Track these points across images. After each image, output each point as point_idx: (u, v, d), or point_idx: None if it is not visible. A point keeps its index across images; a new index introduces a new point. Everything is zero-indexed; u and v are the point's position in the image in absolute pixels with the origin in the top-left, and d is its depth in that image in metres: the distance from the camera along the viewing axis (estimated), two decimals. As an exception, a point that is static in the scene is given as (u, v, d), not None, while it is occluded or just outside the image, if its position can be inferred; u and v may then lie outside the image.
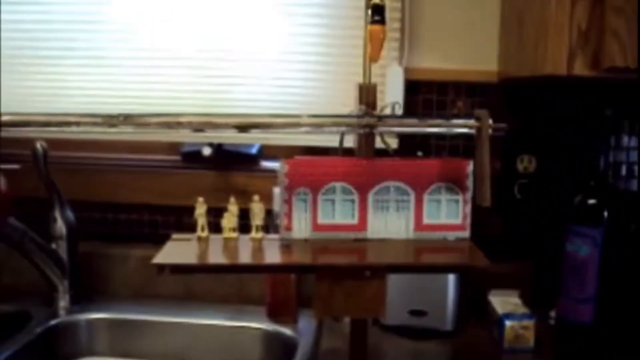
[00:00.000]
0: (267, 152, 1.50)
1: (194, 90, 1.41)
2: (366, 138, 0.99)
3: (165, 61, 1.42)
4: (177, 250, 0.97)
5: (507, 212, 1.43)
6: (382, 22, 0.93)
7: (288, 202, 1.00)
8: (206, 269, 0.95)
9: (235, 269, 0.96)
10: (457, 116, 1.34)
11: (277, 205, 1.33)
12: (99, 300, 1.44)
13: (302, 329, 1.31)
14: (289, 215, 1.00)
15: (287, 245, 1.00)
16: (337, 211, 1.01)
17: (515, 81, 1.31)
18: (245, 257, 0.97)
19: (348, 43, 1.37)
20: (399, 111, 0.98)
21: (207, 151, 1.41)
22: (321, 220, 1.01)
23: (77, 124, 0.91)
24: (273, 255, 0.98)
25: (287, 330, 1.30)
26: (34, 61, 1.46)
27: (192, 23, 1.41)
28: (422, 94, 1.40)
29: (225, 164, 1.45)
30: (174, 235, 1.02)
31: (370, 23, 0.94)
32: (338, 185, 1.00)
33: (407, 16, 1.37)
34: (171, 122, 0.92)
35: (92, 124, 0.91)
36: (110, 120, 0.90)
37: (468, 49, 1.41)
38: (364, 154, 1.01)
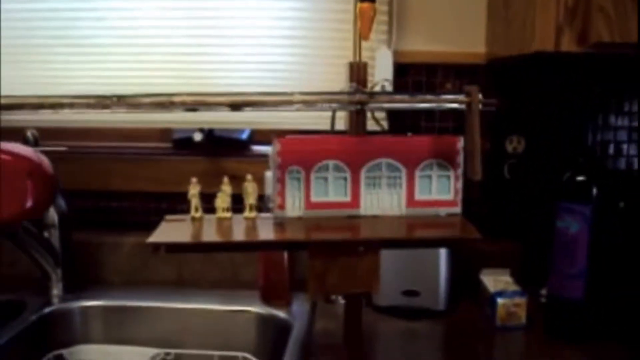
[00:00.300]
0: (258, 137, 1.51)
1: (185, 76, 1.42)
2: (357, 115, 1.00)
3: (155, 48, 1.42)
4: (171, 230, 0.97)
5: (497, 192, 1.45)
6: (372, 0, 0.94)
7: (281, 180, 1.00)
8: (201, 248, 0.95)
9: (229, 246, 0.97)
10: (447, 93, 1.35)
11: (269, 189, 1.33)
12: (92, 288, 1.44)
13: (296, 312, 1.32)
14: (282, 193, 1.01)
15: (280, 224, 1.00)
16: (330, 189, 1.02)
17: (503, 61, 1.32)
18: (239, 235, 0.98)
19: (335, 26, 1.38)
20: (389, 88, 0.98)
21: (198, 137, 1.41)
22: (314, 198, 1.02)
23: (71, 105, 0.91)
24: (267, 233, 0.98)
25: (280, 313, 1.31)
26: (29, 50, 1.46)
27: (181, 8, 1.41)
28: (411, 77, 1.41)
29: (217, 150, 1.45)
30: (168, 216, 1.03)
31: (360, 1, 0.95)
32: (331, 163, 1.01)
33: (395, -1, 1.38)
34: (164, 102, 0.92)
35: (86, 106, 0.91)
36: (104, 101, 0.91)
37: (456, 31, 1.42)
38: (355, 132, 1.01)
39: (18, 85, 1.46)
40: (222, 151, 1.47)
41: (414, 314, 1.32)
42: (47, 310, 1.34)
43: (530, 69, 1.37)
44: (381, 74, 1.32)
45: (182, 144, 1.47)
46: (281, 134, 1.40)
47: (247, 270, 1.44)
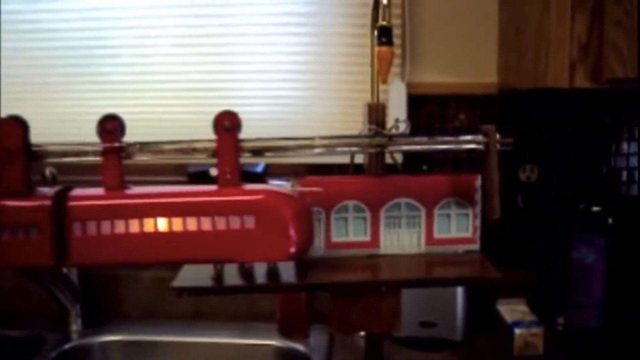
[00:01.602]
0: (273, 170, 1.52)
1: (200, 112, 1.43)
2: (376, 156, 1.01)
3: (169, 84, 1.43)
4: (193, 272, 0.98)
5: (510, 221, 1.46)
6: (389, 43, 0.95)
7: (302, 221, 1.01)
8: (224, 291, 0.96)
9: (252, 289, 0.97)
10: (460, 129, 1.37)
11: (285, 223, 1.34)
12: (111, 322, 1.45)
13: (314, 345, 1.33)
14: (303, 234, 1.02)
15: (302, 265, 1.01)
16: (350, 229, 1.03)
17: (516, 92, 1.33)
18: (261, 277, 0.99)
19: (347, 61, 1.40)
20: (408, 129, 0.99)
21: (214, 172, 1.42)
22: (335, 238, 1.03)
23: (94, 153, 0.93)
24: (289, 275, 0.99)
25: (299, 347, 1.32)
26: (47, 87, 1.48)
27: (195, 44, 1.42)
28: (425, 108, 1.42)
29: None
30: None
31: (378, 45, 0.96)
32: (350, 203, 1.02)
33: (408, 32, 1.40)
34: (187, 149, 0.93)
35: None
36: (128, 149, 0.92)
37: (467, 62, 1.43)
38: (374, 172, 1.02)
39: (36, 122, 1.47)
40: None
41: (432, 344, 1.33)
42: (67, 346, 1.35)
43: (542, 99, 1.38)
44: (395, 106, 1.34)
45: (198, 177, 1.48)
46: (296, 167, 1.43)
47: (264, 302, 1.45)
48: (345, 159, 1.20)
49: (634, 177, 1.46)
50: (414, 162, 1.38)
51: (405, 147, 0.98)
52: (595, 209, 1.22)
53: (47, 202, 0.86)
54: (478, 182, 1.04)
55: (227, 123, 0.92)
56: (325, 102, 1.41)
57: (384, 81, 0.98)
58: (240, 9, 1.41)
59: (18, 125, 0.90)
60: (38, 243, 0.86)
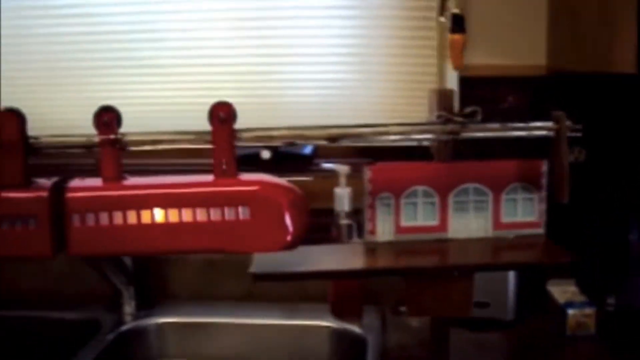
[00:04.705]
0: (321, 152, 1.53)
1: (250, 95, 1.44)
2: (446, 143, 1.02)
3: (220, 67, 1.43)
4: (265, 259, 0.99)
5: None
6: (462, 31, 0.96)
7: (372, 206, 1.02)
8: (301, 276, 0.97)
9: (329, 275, 0.99)
10: (510, 111, 1.37)
11: (339, 205, 1.36)
12: (162, 304, 1.47)
13: (368, 326, 1.34)
14: (373, 219, 1.03)
15: (372, 249, 1.03)
16: (419, 214, 1.04)
17: (570, 75, 1.34)
18: (333, 262, 1.00)
19: (401, 44, 1.40)
20: (479, 116, 1.00)
21: (266, 155, 1.43)
22: (404, 223, 1.04)
23: (171, 141, 0.93)
24: (360, 260, 1.00)
25: (354, 328, 1.33)
26: (93, 72, 1.48)
27: (249, 28, 1.42)
28: (475, 90, 1.42)
29: (281, 166, 1.47)
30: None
31: (451, 32, 0.97)
32: (420, 188, 1.03)
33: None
34: (264, 137, 0.94)
35: (187, 142, 0.93)
36: (205, 136, 0.92)
37: (517, 43, 1.43)
38: (443, 158, 1.03)
39: (82, 108, 1.48)
40: (286, 167, 1.48)
41: (484, 325, 1.34)
42: (123, 328, 1.37)
43: (592, 82, 1.38)
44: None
45: (247, 160, 1.48)
46: (344, 150, 1.44)
47: (313, 283, 1.46)
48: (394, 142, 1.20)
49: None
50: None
51: (479, 134, 0.99)
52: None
53: (45, 194, 0.88)
54: (544, 167, 1.05)
55: (222, 114, 0.92)
56: (377, 85, 1.41)
57: (457, 68, 0.99)
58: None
59: (15, 117, 0.90)
60: (36, 234, 0.88)
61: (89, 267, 1.40)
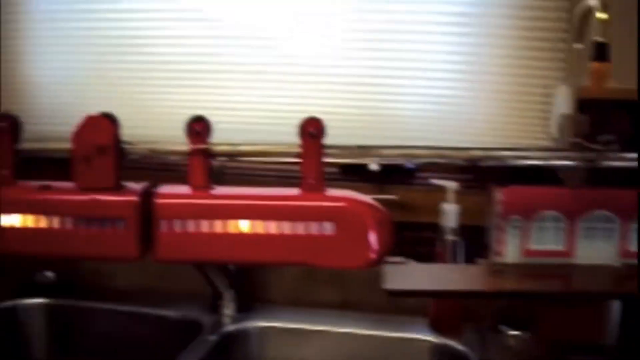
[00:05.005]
0: (423, 166, 1.54)
1: (355, 106, 1.45)
2: (578, 169, 1.03)
3: (327, 77, 1.46)
4: (397, 274, 1.01)
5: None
6: (607, 59, 0.96)
7: (502, 228, 1.03)
8: (435, 294, 0.99)
9: (462, 295, 1.00)
10: (620, 135, 1.36)
11: (445, 221, 1.37)
12: (259, 308, 1.49)
13: (468, 343, 1.34)
14: (501, 241, 1.04)
15: (499, 271, 1.04)
16: (547, 238, 1.04)
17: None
18: (462, 282, 1.01)
19: (511, 64, 1.41)
20: (615, 144, 1.00)
21: (375, 166, 1.44)
22: (532, 246, 1.04)
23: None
24: (490, 281, 1.01)
25: (456, 344, 1.34)
26: (198, 75, 1.51)
27: (359, 40, 1.44)
28: (586, 113, 1.42)
29: (385, 178, 1.48)
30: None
31: (595, 60, 0.97)
32: (549, 213, 1.04)
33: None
34: (407, 155, 0.96)
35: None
36: (352, 151, 0.94)
37: (627, 66, 1.42)
38: (574, 183, 1.04)
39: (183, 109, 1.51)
40: (390, 179, 1.49)
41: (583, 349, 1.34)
42: (225, 330, 1.40)
43: None
44: (560, 112, 1.34)
45: (351, 169, 1.49)
46: (447, 165, 1.44)
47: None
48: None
49: None
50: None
51: (615, 163, 0.99)
52: None
53: (135, 198, 0.91)
54: (675, 196, 1.05)
55: (312, 129, 0.93)
56: (485, 103, 1.42)
57: (595, 94, 0.99)
58: (406, 5, 1.42)
59: (109, 122, 0.93)
60: (124, 237, 0.91)
61: (192, 267, 1.43)
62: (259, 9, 1.49)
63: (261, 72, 1.48)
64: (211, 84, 1.51)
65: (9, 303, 1.54)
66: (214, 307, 1.46)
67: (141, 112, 1.53)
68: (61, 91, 1.59)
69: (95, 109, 0.95)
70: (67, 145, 0.93)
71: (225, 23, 1.48)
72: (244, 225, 0.91)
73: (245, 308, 1.47)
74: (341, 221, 0.90)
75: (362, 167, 1.46)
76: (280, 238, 0.91)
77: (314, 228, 0.91)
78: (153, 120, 1.52)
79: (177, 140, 0.95)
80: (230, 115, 1.49)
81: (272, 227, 0.91)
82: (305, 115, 1.45)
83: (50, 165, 0.94)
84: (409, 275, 1.01)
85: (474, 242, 1.41)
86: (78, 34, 1.56)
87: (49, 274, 1.59)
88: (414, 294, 0.99)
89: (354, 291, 1.51)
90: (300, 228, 0.91)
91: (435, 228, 1.41)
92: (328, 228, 0.91)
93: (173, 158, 0.98)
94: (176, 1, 1.49)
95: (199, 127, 0.95)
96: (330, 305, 1.51)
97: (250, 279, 1.51)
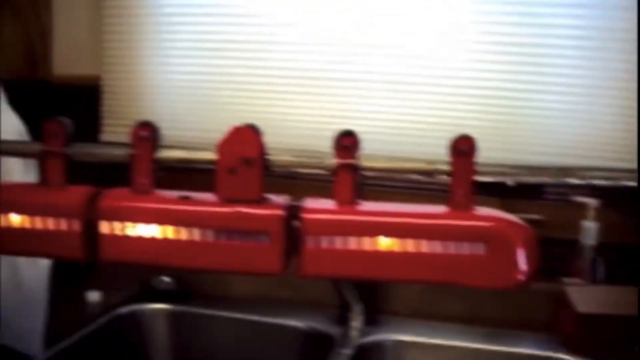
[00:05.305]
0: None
1: (490, 119, 1.45)
2: None
3: (466, 89, 1.45)
4: (584, 297, 0.99)
5: None
6: None
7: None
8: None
9: None
10: None
11: (585, 238, 1.35)
12: (385, 321, 1.48)
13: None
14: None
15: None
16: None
17: None
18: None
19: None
20: None
21: (511, 182, 1.42)
22: None
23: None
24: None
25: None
26: (326, 83, 1.51)
27: (496, 51, 1.43)
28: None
29: (520, 193, 1.47)
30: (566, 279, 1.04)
31: None
32: None
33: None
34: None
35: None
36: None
37: None
38: None
39: (319, 118, 1.51)
40: (514, 193, 1.48)
41: None
42: (359, 342, 1.38)
43: None
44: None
45: (485, 184, 1.48)
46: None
47: (544, 312, 1.44)
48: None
49: None
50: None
51: None
52: None
53: (281, 212, 0.88)
54: None
55: (463, 147, 0.91)
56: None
57: None
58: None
59: (255, 133, 0.90)
60: (268, 251, 0.88)
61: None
62: (403, 20, 1.48)
63: (399, 83, 1.47)
64: (346, 92, 1.50)
65: (132, 307, 1.53)
66: (341, 318, 1.45)
67: (267, 120, 1.53)
68: (182, 96, 1.59)
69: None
70: (209, 155, 0.90)
71: (369, 32, 1.48)
72: (393, 243, 0.90)
73: (372, 321, 1.46)
74: (491, 241, 0.88)
75: (497, 183, 1.44)
76: (430, 257, 0.89)
77: (465, 248, 0.89)
78: (281, 127, 1.51)
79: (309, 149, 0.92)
80: (366, 125, 1.48)
81: (423, 246, 0.89)
82: (443, 126, 1.46)
83: (175, 174, 0.92)
84: (592, 297, 0.99)
85: (613, 260, 1.41)
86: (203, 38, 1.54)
87: (166, 279, 1.58)
88: (607, 319, 0.97)
89: (479, 304, 1.49)
90: (451, 247, 0.89)
91: (568, 244, 1.39)
92: (479, 248, 0.89)
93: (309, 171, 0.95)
94: (314, 8, 1.48)
95: (348, 142, 0.93)
96: (455, 318, 1.50)
97: (378, 292, 1.50)
